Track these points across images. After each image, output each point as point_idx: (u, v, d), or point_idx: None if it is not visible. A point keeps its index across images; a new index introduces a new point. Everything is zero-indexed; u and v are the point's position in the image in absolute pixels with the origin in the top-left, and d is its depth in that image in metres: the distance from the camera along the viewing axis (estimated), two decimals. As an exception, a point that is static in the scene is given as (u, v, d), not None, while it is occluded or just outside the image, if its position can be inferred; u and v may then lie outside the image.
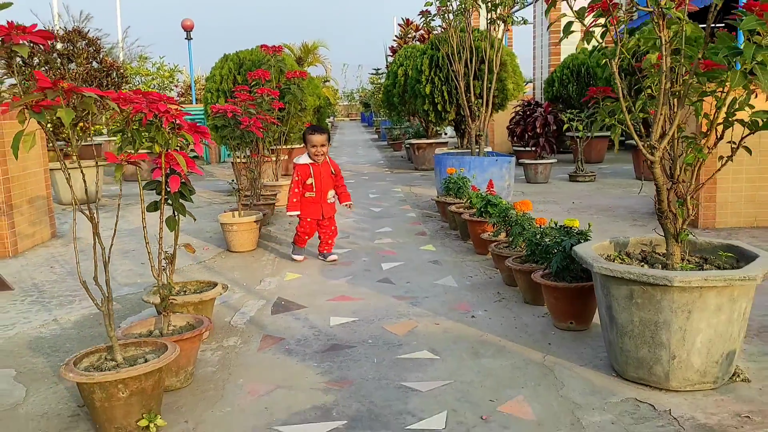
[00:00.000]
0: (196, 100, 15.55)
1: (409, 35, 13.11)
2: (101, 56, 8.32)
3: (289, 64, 8.41)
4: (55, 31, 8.19)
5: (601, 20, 2.69)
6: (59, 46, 8.09)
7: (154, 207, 3.04)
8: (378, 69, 24.16)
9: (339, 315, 3.69)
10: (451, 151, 7.95)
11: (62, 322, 3.73)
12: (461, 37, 7.08)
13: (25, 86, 7.01)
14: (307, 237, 4.92)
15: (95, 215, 2.50)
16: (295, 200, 4.80)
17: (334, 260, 4.88)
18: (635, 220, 5.92)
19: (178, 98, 17.17)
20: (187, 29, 13.80)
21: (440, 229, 6.01)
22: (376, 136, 22.06)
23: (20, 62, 8.06)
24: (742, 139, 2.66)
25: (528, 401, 2.56)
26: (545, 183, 8.91)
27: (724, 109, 2.56)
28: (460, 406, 2.54)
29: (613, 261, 2.83)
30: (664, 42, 2.52)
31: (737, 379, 2.66)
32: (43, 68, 8.06)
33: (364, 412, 2.52)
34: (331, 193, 4.91)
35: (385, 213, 7.00)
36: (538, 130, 8.81)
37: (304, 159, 4.87)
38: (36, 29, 2.41)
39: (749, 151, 2.76)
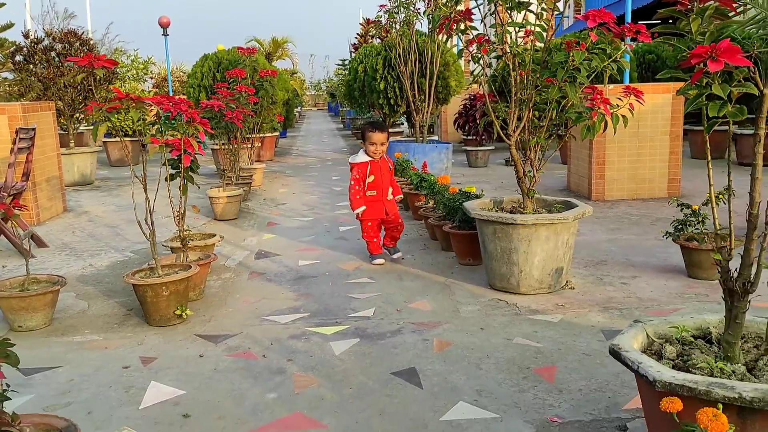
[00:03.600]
0: (173, 92, 16.60)
1: (370, 34, 14.37)
2: (94, 54, 9.41)
3: (261, 63, 9.63)
4: (54, 32, 9.26)
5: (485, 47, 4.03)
6: (58, 46, 9.20)
7: (171, 177, 4.29)
8: (344, 60, 25.34)
9: (305, 259, 5.01)
10: (401, 139, 9.29)
11: (97, 266, 4.98)
12: (408, 43, 8.40)
13: (26, 81, 8.57)
14: (375, 240, 4.83)
15: (145, 177, 3.73)
16: (358, 197, 4.74)
17: (400, 257, 4.84)
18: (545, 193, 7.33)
19: (152, 89, 18.12)
20: (164, 26, 14.81)
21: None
22: (342, 126, 23.30)
23: (21, 60, 9.17)
24: (568, 129, 4.03)
25: (429, 302, 3.92)
26: (484, 167, 10.33)
27: (552, 108, 3.91)
28: (383, 305, 3.89)
29: (489, 211, 4.20)
30: (512, 69, 3.88)
31: (566, 287, 4.06)
32: (43, 66, 9.16)
33: (321, 309, 3.85)
34: (390, 190, 4.88)
35: (345, 191, 8.27)
36: (477, 121, 10.19)
37: (361, 157, 4.78)
38: (104, 58, 3.63)
39: (574, 137, 4.13)
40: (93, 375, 3.02)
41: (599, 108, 3.73)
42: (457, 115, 10.87)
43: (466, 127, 10.51)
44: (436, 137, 9.99)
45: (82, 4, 19.66)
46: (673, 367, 1.95)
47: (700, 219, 4.15)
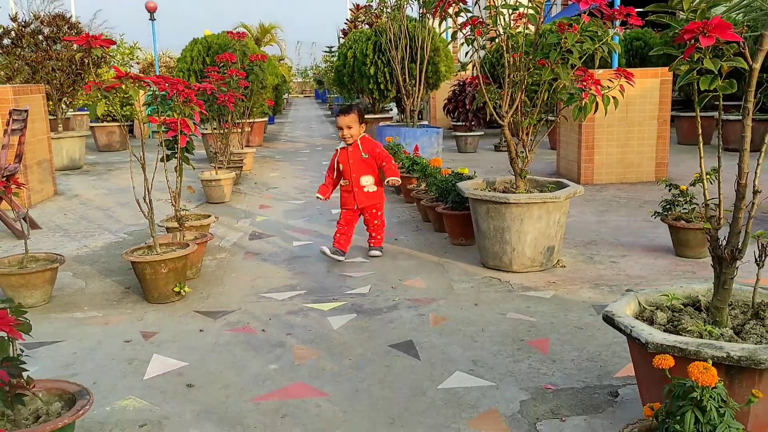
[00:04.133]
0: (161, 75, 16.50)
1: (359, 19, 14.36)
2: (62, 38, 9.33)
3: (251, 48, 9.62)
4: (42, 16, 9.19)
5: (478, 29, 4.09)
6: (46, 30, 9.13)
7: (167, 158, 4.32)
8: (331, 47, 25.25)
9: (299, 241, 5.07)
10: (391, 123, 9.34)
11: (91, 247, 5.00)
12: (398, 28, 8.43)
13: (14, 65, 8.54)
14: (341, 228, 4.46)
15: (142, 158, 3.75)
16: (323, 184, 4.56)
17: (376, 255, 4.48)
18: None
19: (139, 73, 17.98)
20: (151, 11, 14.69)
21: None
22: (330, 112, 23.26)
23: (9, 43, 9.10)
24: (559, 110, 4.10)
25: (423, 279, 4.00)
26: (474, 152, 10.40)
27: (544, 90, 3.98)
28: (379, 282, 3.96)
29: (482, 191, 4.27)
30: (505, 51, 3.94)
31: (558, 266, 4.15)
32: (31, 49, 9.09)
33: (317, 287, 3.92)
34: (367, 179, 4.42)
35: (336, 175, 8.36)
36: (467, 107, 10.26)
37: (342, 144, 4.49)
38: (101, 37, 3.64)
39: (565, 118, 4.20)
40: (95, 348, 3.07)
41: (591, 89, 3.80)
42: (446, 101, 10.92)
43: (456, 113, 10.57)
44: (425, 122, 10.04)
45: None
46: (664, 332, 2.04)
47: (688, 199, 4.25)
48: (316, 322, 3.34)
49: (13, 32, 9.14)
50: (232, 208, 6.44)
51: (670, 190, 4.33)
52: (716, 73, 1.90)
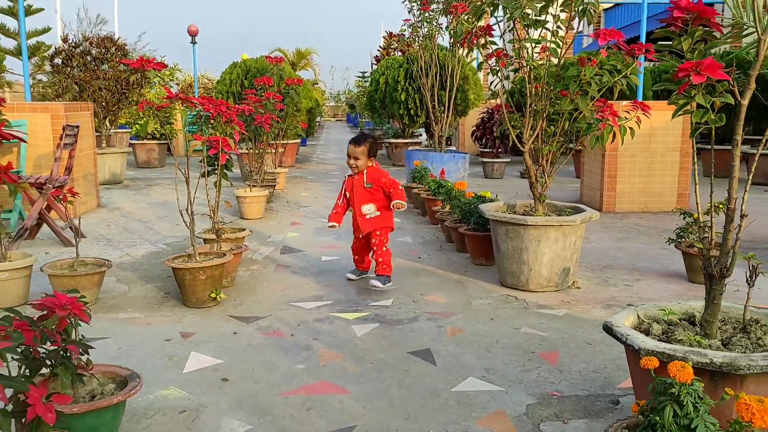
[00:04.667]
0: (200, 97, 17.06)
1: (392, 47, 14.75)
2: (119, 61, 9.84)
3: (287, 72, 10.01)
4: (91, 37, 9.72)
5: (504, 60, 4.35)
6: (94, 51, 9.64)
7: (207, 174, 4.63)
8: (364, 73, 25.80)
9: (327, 255, 5.32)
10: (419, 148, 9.61)
11: (133, 255, 5.32)
12: (429, 56, 8.74)
13: (63, 83, 9.06)
14: (355, 257, 4.65)
15: (187, 173, 4.05)
16: (334, 212, 4.60)
17: (376, 286, 4.33)
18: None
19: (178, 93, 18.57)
20: (192, 34, 15.28)
21: (406, 209, 7.66)
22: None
23: (59, 63, 9.62)
24: (580, 140, 4.32)
25: (443, 295, 4.21)
26: (500, 178, 10.61)
27: (565, 120, 4.21)
28: (402, 296, 4.18)
29: (502, 213, 4.49)
30: (527, 82, 4.18)
31: (573, 287, 4.33)
32: (79, 69, 9.59)
33: (343, 299, 4.16)
34: (368, 207, 4.46)
35: (364, 197, 8.63)
36: (495, 134, 10.49)
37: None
38: (154, 61, 3.97)
39: (584, 146, 4.41)
40: (139, 345, 3.34)
41: (608, 119, 4.02)
42: (474, 128, 11.17)
43: (483, 140, 10.80)
44: (453, 148, 10.29)
45: (111, 11, 20.31)
46: (658, 341, 2.23)
47: (702, 226, 4.40)
48: (341, 329, 3.58)
49: (63, 52, 9.66)
50: (265, 224, 6.73)
51: (684, 219, 4.49)
52: (707, 107, 2.12)
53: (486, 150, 11.29)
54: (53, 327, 1.88)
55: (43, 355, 1.86)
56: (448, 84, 8.64)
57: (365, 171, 4.49)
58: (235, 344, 3.36)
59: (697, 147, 7.96)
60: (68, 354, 1.93)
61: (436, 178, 6.82)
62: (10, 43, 12.48)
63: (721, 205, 4.23)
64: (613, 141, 4.07)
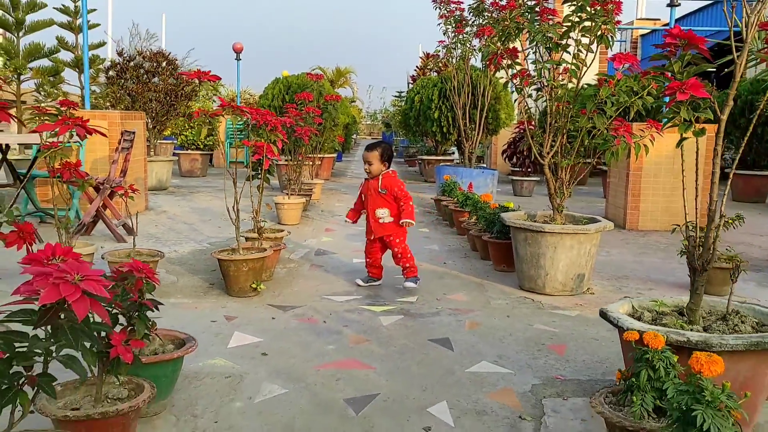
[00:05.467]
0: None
1: (428, 67, 15.20)
2: (177, 73, 10.47)
3: (327, 89, 10.50)
4: (144, 52, 10.35)
5: (528, 80, 4.70)
6: (146, 65, 10.27)
7: (252, 178, 5.05)
8: (401, 92, 26.31)
9: (358, 258, 5.69)
10: (450, 164, 9.96)
11: (180, 252, 5.76)
12: (462, 77, 9.13)
13: (117, 94, 9.70)
14: (367, 259, 4.84)
15: (234, 175, 4.48)
16: (352, 210, 4.93)
17: (410, 287, 4.63)
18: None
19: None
20: (238, 51, 15.95)
21: (435, 220, 8.02)
22: (395, 154, 24.15)
23: (114, 75, 10.25)
24: (598, 155, 4.62)
25: (464, 295, 4.54)
26: (529, 196, 10.88)
27: (583, 135, 4.52)
28: (426, 295, 4.53)
29: (521, 221, 4.81)
30: (548, 101, 4.52)
31: (587, 292, 4.62)
32: (132, 81, 10.22)
33: (372, 294, 4.52)
34: (383, 212, 4.68)
35: (396, 209, 9.01)
36: (524, 153, 10.80)
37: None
38: (209, 73, 4.42)
39: (604, 164, 4.71)
40: (188, 324, 3.74)
41: (623, 136, 4.32)
42: (505, 146, 11.49)
43: (514, 159, 11.11)
44: (484, 165, 10.62)
45: (159, 27, 21.25)
46: (644, 323, 2.54)
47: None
48: (368, 319, 3.94)
49: (118, 65, 10.30)
50: (301, 229, 7.14)
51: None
52: (691, 121, 2.44)
53: (516, 169, 11.60)
54: (132, 286, 2.28)
55: (123, 310, 2.26)
56: (480, 103, 9.00)
57: (381, 176, 4.70)
58: (273, 327, 3.73)
59: (726, 171, 8.13)
60: (143, 308, 2.32)
61: (465, 191, 7.15)
62: (67, 56, 13.23)
63: (730, 221, 4.55)
64: (627, 158, 4.37)
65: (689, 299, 2.60)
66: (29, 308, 1.83)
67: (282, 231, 5.43)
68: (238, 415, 2.63)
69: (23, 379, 1.70)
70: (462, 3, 8.40)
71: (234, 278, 4.31)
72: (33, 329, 1.77)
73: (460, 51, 8.69)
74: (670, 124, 2.54)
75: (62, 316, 1.75)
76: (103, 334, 2.12)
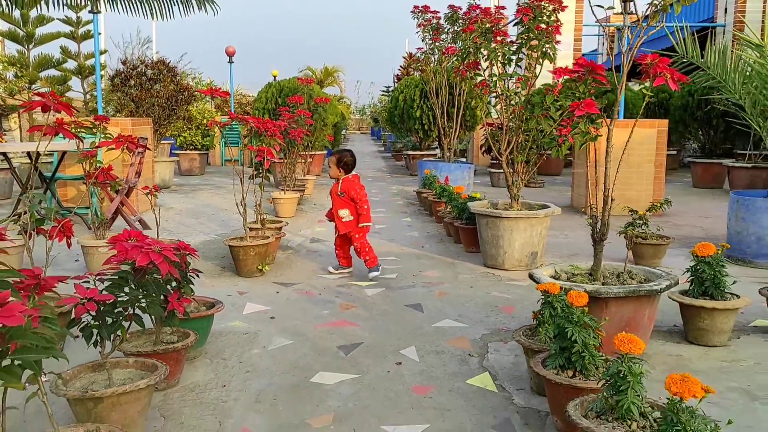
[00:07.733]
0: (235, 111, 18.49)
1: (411, 66, 16.01)
2: (177, 80, 11.25)
3: (316, 92, 11.32)
4: (147, 60, 11.13)
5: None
6: (149, 72, 11.05)
7: (254, 176, 5.89)
8: (389, 87, 27.11)
9: (348, 245, 6.54)
10: (430, 159, 10.81)
11: (192, 242, 6.59)
12: (439, 79, 9.97)
13: (121, 100, 10.61)
14: (336, 251, 5.41)
15: (242, 173, 5.31)
16: (329, 210, 5.43)
17: (374, 276, 5.12)
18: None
19: (216, 110, 20.01)
20: (230, 54, 16.71)
21: (417, 210, 8.89)
22: (383, 149, 24.97)
23: (119, 82, 11.03)
24: (547, 152, 5.48)
25: (437, 272, 5.41)
26: (504, 187, 11.74)
27: (534, 135, 5.37)
28: (404, 272, 5.39)
29: (483, 208, 5.67)
30: (503, 107, 5.38)
31: (540, 266, 5.48)
32: (136, 88, 11.00)
33: (358, 274, 5.37)
34: (344, 212, 5.21)
35: (382, 201, 9.87)
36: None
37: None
38: (220, 90, 5.24)
39: (549, 155, 5.58)
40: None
41: (565, 136, 5.18)
42: (483, 141, 12.35)
43: (490, 153, 11.96)
44: (463, 159, 11.46)
45: (149, 30, 21.94)
46: (557, 280, 3.40)
47: (644, 221, 5.54)
48: (356, 291, 4.79)
49: (123, 73, 11.07)
50: (296, 221, 7.99)
51: (631, 215, 5.63)
52: (588, 132, 3.30)
53: (494, 161, 12.46)
54: (180, 259, 3.12)
55: (177, 276, 3.10)
56: (457, 102, 9.85)
57: (341, 181, 5.21)
58: (278, 299, 4.59)
59: (688, 160, 9.16)
60: (189, 276, 3.17)
61: (443, 184, 8.01)
62: (70, 64, 13.98)
63: (661, 204, 5.43)
64: (571, 151, 5.23)
65: (593, 263, 3.47)
66: (117, 273, 2.68)
67: (281, 222, 6.28)
68: (256, 358, 3.49)
69: (123, 315, 2.54)
70: (438, 13, 9.21)
71: (243, 261, 5.15)
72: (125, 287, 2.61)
73: (437, 56, 9.52)
74: (576, 131, 3.40)
75: (146, 276, 2.59)
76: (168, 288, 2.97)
